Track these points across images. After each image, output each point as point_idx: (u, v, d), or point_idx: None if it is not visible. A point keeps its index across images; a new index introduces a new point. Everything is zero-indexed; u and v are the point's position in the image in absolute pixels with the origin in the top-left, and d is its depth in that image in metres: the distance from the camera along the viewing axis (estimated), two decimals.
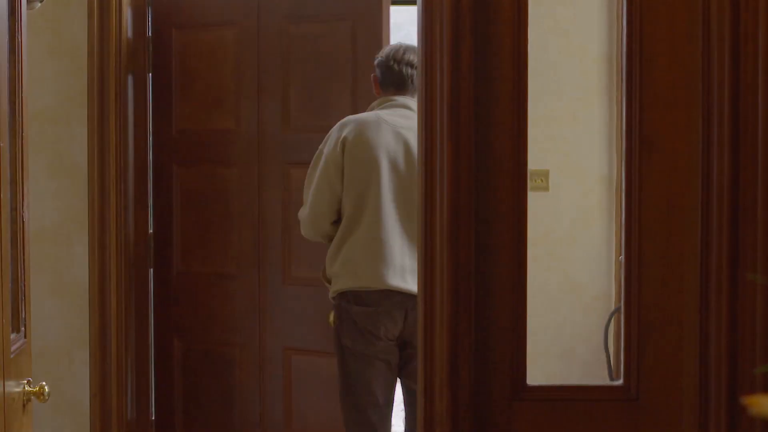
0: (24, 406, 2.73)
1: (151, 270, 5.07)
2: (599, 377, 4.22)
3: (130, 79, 4.88)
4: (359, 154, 4.05)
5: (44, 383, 2.80)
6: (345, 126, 4.12)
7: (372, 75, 4.26)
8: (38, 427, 4.74)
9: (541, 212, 5.22)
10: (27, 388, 2.75)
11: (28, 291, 2.83)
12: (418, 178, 2.98)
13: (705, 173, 2.90)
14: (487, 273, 2.94)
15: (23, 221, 2.78)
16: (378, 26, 4.56)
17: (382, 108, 4.16)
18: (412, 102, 4.07)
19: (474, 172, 2.91)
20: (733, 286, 2.86)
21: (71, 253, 4.85)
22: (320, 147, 4.17)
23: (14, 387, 2.66)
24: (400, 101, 4.14)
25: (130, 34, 4.88)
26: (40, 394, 2.77)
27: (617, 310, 3.86)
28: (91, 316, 4.69)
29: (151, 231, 5.05)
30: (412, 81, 4.13)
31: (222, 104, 4.98)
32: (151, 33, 5.01)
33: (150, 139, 5.03)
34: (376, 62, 4.24)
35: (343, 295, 4.10)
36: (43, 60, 4.80)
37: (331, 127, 4.19)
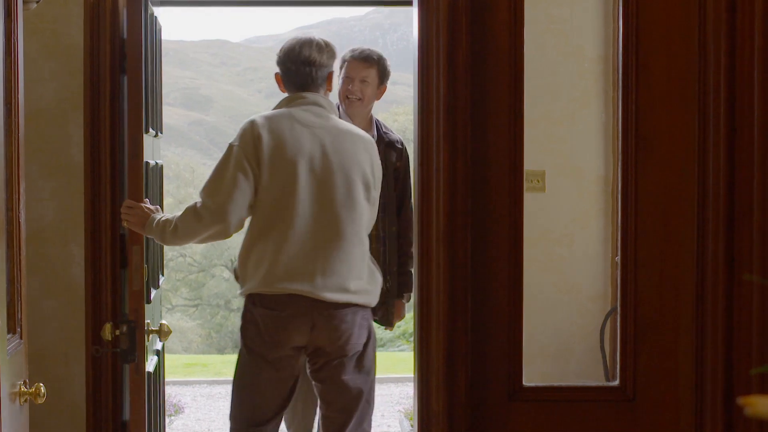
0: (20, 407, 2.72)
1: (147, 270, 5.06)
2: (596, 378, 4.22)
3: (124, 79, 4.88)
4: (275, 156, 3.88)
5: (40, 384, 2.79)
6: (257, 124, 3.95)
7: (275, 73, 4.14)
8: (34, 427, 4.74)
9: (538, 213, 5.22)
10: (23, 388, 2.75)
11: (24, 291, 2.83)
12: (416, 179, 2.98)
13: (701, 174, 2.91)
14: (483, 274, 2.94)
15: (19, 221, 2.77)
16: None
17: (293, 106, 3.98)
18: (322, 98, 3.91)
19: (470, 173, 2.91)
20: (728, 286, 2.87)
21: (67, 253, 4.85)
22: (231, 143, 3.99)
23: (11, 388, 2.65)
24: (311, 98, 3.93)
25: (125, 34, 4.88)
26: (36, 395, 2.76)
27: (613, 310, 3.86)
28: (87, 317, 4.69)
29: None
30: (313, 79, 3.94)
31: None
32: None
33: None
34: (276, 61, 4.12)
35: (250, 297, 3.94)
36: (39, 60, 4.80)
37: None
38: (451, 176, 2.89)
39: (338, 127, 3.85)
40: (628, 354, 2.97)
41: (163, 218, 3.94)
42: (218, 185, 3.92)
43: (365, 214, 3.74)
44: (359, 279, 3.75)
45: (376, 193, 3.74)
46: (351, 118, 4.55)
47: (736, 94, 2.85)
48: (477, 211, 2.93)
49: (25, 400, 2.76)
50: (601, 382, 3.98)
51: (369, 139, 3.83)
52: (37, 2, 3.19)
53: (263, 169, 3.88)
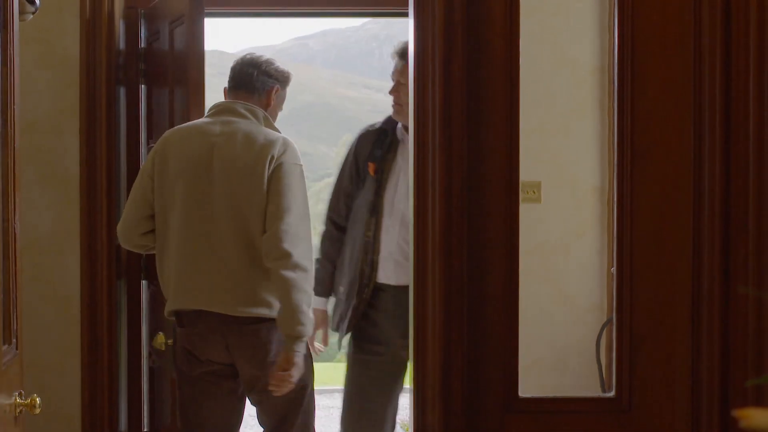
0: (16, 418, 2.72)
1: (143, 281, 5.06)
2: (591, 389, 4.21)
3: (121, 91, 4.88)
4: (164, 168, 3.85)
5: (36, 395, 2.79)
6: (162, 137, 3.95)
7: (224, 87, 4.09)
8: None
9: (533, 224, 5.21)
10: (18, 399, 2.74)
11: (19, 302, 2.82)
12: (412, 190, 2.98)
13: (696, 184, 2.91)
14: (479, 285, 2.94)
15: (15, 232, 2.77)
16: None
17: (208, 115, 3.97)
18: (241, 105, 3.89)
19: (466, 185, 2.91)
20: (724, 298, 2.87)
21: (63, 263, 4.84)
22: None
23: (6, 399, 2.65)
24: (224, 106, 3.94)
25: (122, 45, 4.88)
26: (31, 406, 2.76)
27: (609, 321, 3.86)
28: (83, 327, 4.68)
29: None
30: (251, 81, 3.96)
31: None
32: (144, 45, 5.01)
33: (142, 150, 5.03)
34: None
35: (171, 314, 3.90)
36: (35, 71, 4.80)
37: None
38: (447, 187, 2.89)
39: (236, 134, 3.78)
40: (623, 365, 2.97)
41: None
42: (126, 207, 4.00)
43: (256, 224, 3.68)
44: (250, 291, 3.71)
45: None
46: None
47: (731, 105, 2.85)
48: (473, 223, 2.93)
49: (21, 412, 2.75)
50: (597, 393, 3.98)
51: (268, 143, 3.73)
52: (33, 13, 3.19)
53: (155, 184, 3.87)
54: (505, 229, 2.94)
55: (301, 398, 3.88)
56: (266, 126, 3.87)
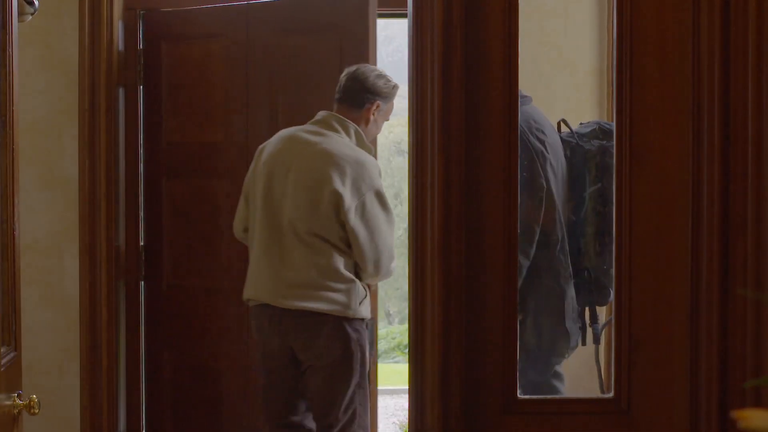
0: (15, 419, 2.72)
1: (142, 283, 5.06)
2: (590, 390, 4.22)
3: (121, 92, 4.88)
4: (256, 167, 4.20)
5: (35, 396, 2.79)
6: (263, 144, 4.29)
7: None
8: None
9: None
10: (17, 401, 2.74)
11: (18, 303, 2.83)
12: (410, 191, 2.98)
13: (695, 187, 2.91)
14: (478, 286, 2.94)
15: (14, 234, 2.77)
16: (365, 38, 4.57)
17: (310, 122, 4.23)
18: (336, 118, 4.14)
19: (464, 186, 2.91)
20: (723, 299, 2.87)
21: (62, 265, 4.84)
22: None
23: (5, 400, 2.65)
24: (322, 117, 4.19)
25: (121, 47, 4.88)
26: (30, 407, 2.76)
27: (608, 322, 3.86)
28: (82, 329, 4.68)
29: (142, 243, 5.05)
30: (352, 95, 4.18)
31: (210, 117, 4.97)
32: (143, 46, 5.02)
33: (141, 151, 5.03)
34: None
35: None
36: (34, 72, 4.80)
37: None
38: (445, 189, 2.90)
39: (319, 145, 4.06)
40: (622, 366, 2.97)
41: None
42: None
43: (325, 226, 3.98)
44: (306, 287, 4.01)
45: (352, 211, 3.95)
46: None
47: (730, 106, 2.85)
48: (471, 224, 2.93)
49: (20, 413, 2.75)
50: (595, 394, 3.98)
51: (341, 158, 4.00)
52: (32, 14, 3.20)
53: (250, 183, 4.24)
54: (505, 230, 2.94)
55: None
56: (357, 142, 4.12)
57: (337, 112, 4.17)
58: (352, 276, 4.01)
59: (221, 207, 4.96)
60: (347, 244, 4.00)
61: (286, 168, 4.08)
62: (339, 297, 3.97)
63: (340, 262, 3.99)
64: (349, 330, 4.00)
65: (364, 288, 4.07)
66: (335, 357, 4.01)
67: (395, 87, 4.24)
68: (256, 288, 4.14)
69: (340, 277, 3.97)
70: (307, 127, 4.17)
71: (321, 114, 4.18)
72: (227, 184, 4.95)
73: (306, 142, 4.09)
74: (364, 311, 4.06)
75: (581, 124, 4.11)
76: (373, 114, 4.16)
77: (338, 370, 4.03)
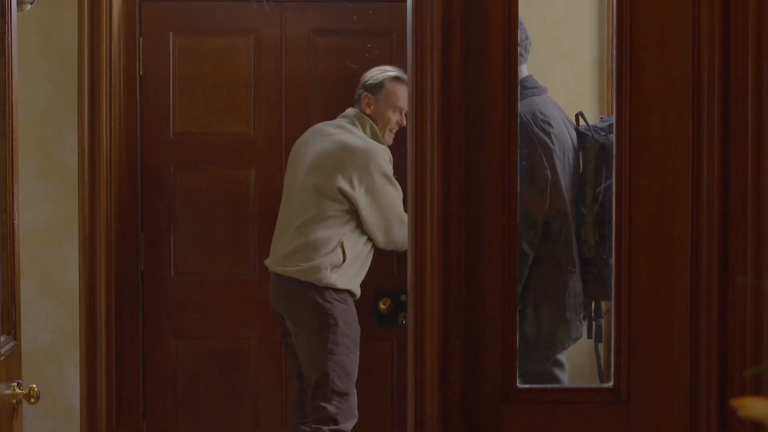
0: (14, 408, 2.72)
1: (141, 272, 5.06)
2: (590, 380, 4.22)
3: (120, 82, 4.88)
4: (290, 159, 4.73)
5: (34, 385, 2.79)
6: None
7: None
8: (28, 429, 4.73)
9: None
10: (17, 390, 2.75)
11: (18, 293, 2.83)
12: (410, 181, 2.98)
13: (695, 176, 2.91)
14: (477, 276, 2.94)
15: (13, 223, 2.78)
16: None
17: (337, 117, 4.76)
18: (352, 111, 4.69)
19: (464, 176, 2.91)
20: (723, 288, 2.87)
21: (61, 255, 4.85)
22: None
23: (4, 389, 2.65)
24: (345, 112, 4.74)
25: (121, 37, 4.88)
26: (30, 397, 2.76)
27: (608, 312, 3.87)
28: (81, 319, 4.68)
29: (141, 233, 5.05)
30: (356, 90, 4.74)
31: (233, 108, 5.03)
32: (143, 36, 5.01)
33: (140, 140, 5.03)
34: None
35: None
36: (33, 62, 4.80)
37: None
38: (445, 179, 2.90)
39: (335, 136, 4.57)
40: (622, 355, 2.97)
41: None
42: None
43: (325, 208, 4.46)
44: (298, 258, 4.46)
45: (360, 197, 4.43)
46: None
47: (730, 96, 2.85)
48: (471, 213, 2.93)
49: (19, 402, 2.76)
50: (595, 383, 3.98)
51: (352, 149, 4.50)
52: (31, 3, 3.19)
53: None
54: (504, 219, 2.94)
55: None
56: (372, 135, 4.61)
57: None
58: (336, 246, 4.44)
59: (239, 196, 5.05)
60: (348, 220, 4.48)
61: (305, 152, 4.60)
62: (313, 264, 4.41)
63: (334, 235, 4.46)
64: (318, 298, 4.42)
65: (346, 258, 4.45)
66: (307, 322, 4.45)
67: (386, 79, 4.69)
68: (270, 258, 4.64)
69: (322, 247, 4.42)
70: (334, 121, 4.71)
71: (347, 110, 4.72)
72: (253, 174, 5.04)
73: (326, 132, 4.63)
74: (337, 280, 4.45)
75: (602, 118, 4.12)
76: (369, 105, 4.67)
77: (312, 338, 4.45)
